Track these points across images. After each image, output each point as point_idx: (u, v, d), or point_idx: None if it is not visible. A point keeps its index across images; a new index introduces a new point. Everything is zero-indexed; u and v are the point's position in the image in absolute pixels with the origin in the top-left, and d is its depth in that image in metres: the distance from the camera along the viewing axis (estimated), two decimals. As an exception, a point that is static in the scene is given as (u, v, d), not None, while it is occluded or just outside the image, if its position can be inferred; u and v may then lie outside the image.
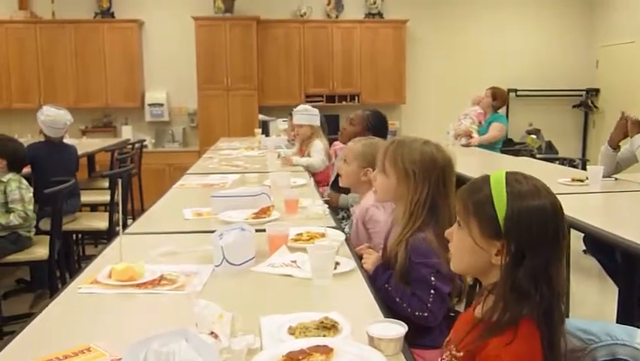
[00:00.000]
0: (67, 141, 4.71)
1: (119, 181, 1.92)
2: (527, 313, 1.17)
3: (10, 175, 3.47)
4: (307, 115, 4.83)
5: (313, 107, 5.12)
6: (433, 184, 1.87)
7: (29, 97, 7.46)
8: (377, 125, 3.79)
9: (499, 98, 5.95)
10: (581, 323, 1.36)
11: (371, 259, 2.00)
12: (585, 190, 3.33)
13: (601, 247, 3.51)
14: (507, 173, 1.24)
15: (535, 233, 1.17)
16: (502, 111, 6.12)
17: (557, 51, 8.30)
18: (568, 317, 1.27)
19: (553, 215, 1.20)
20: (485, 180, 1.25)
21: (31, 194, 3.50)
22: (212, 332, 1.31)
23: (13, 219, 3.37)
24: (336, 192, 3.73)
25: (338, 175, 3.84)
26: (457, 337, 1.26)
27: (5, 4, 7.56)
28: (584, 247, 4.39)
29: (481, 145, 5.75)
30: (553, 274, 1.18)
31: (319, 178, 4.41)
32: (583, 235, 3.75)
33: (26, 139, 5.01)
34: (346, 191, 3.46)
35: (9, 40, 7.41)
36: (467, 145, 5.71)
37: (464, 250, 1.27)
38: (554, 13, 8.27)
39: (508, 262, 1.18)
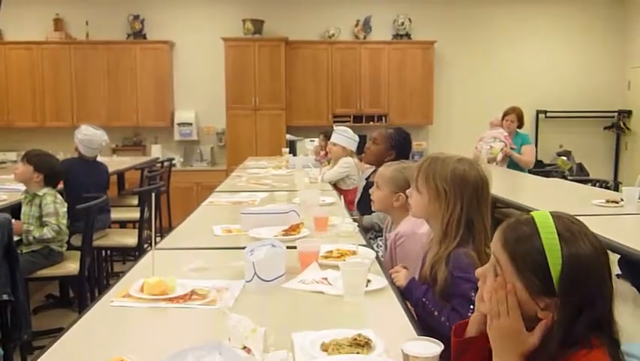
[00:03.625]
0: (98, 159, 4.78)
1: (152, 196, 1.93)
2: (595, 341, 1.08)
3: (45, 189, 3.53)
4: (344, 137, 4.86)
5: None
6: (466, 202, 1.84)
7: (63, 116, 7.63)
8: (401, 143, 3.75)
9: (522, 118, 5.91)
10: (623, 346, 1.31)
11: (402, 275, 1.97)
12: (620, 212, 3.26)
13: (637, 270, 3.42)
14: (555, 219, 1.13)
15: (593, 284, 1.08)
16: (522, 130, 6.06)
17: (588, 72, 8.21)
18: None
19: (604, 258, 1.11)
20: (531, 224, 1.13)
21: (65, 209, 3.56)
22: (245, 347, 1.30)
23: (47, 233, 3.42)
24: (360, 215, 3.71)
25: (362, 196, 3.85)
26: None
27: (41, 26, 7.78)
28: (619, 271, 4.28)
29: (510, 165, 5.69)
30: (612, 321, 1.11)
31: (352, 197, 4.41)
32: (617, 259, 3.68)
33: (59, 157, 5.10)
34: (370, 211, 3.43)
35: (44, 61, 7.61)
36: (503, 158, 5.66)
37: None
38: (585, 33, 8.20)
39: (562, 318, 1.08)
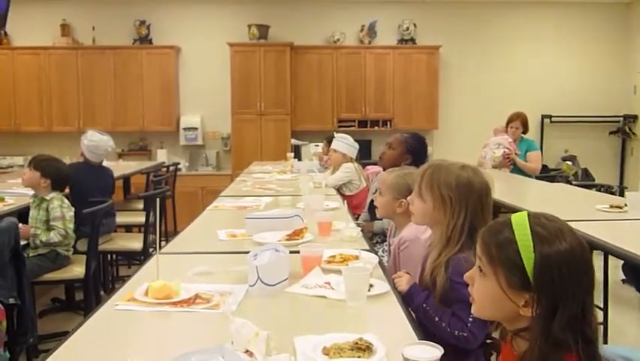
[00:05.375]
0: (104, 163, 4.81)
1: (158, 200, 1.95)
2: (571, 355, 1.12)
3: (53, 194, 3.56)
4: (344, 144, 4.89)
5: (345, 132, 5.19)
6: (470, 209, 1.85)
7: (69, 120, 7.69)
8: (417, 149, 3.73)
9: (527, 124, 5.88)
10: (622, 350, 1.33)
11: (404, 280, 1.98)
12: (624, 217, 3.25)
13: (641, 275, 3.42)
14: (530, 217, 1.17)
15: (568, 281, 1.11)
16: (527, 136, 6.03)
17: (593, 77, 8.20)
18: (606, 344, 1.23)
19: (581, 257, 1.14)
20: (507, 225, 1.18)
21: (72, 213, 3.58)
22: (247, 351, 1.31)
23: (53, 237, 3.45)
24: (370, 220, 3.71)
25: (373, 201, 3.85)
26: None
27: (48, 32, 7.84)
28: (623, 277, 4.28)
29: (515, 170, 5.67)
30: (590, 318, 1.13)
31: (357, 202, 4.42)
32: (622, 264, 3.67)
33: (65, 161, 5.12)
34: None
35: (51, 66, 7.67)
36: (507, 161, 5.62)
37: (489, 298, 1.21)
38: (590, 38, 8.19)
39: (540, 314, 1.12)
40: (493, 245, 1.18)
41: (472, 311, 1.29)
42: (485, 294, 1.22)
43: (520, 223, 1.17)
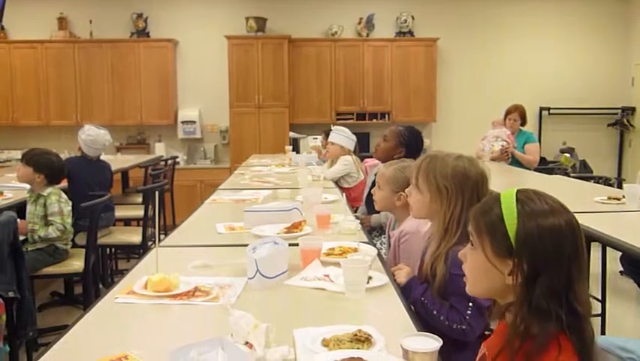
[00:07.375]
0: (102, 157, 4.80)
1: (157, 194, 1.95)
2: (557, 328, 1.12)
3: (50, 189, 3.55)
4: (342, 136, 4.89)
5: (343, 125, 5.19)
6: (466, 199, 1.85)
7: (67, 114, 7.67)
8: (411, 142, 3.73)
9: (525, 116, 5.87)
10: (619, 341, 1.33)
11: (403, 272, 1.99)
12: (622, 209, 3.26)
13: (639, 267, 3.43)
14: (518, 190, 1.22)
15: (550, 251, 1.13)
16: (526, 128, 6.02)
17: (592, 69, 8.20)
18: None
19: (569, 232, 1.15)
20: (496, 198, 1.23)
21: (70, 207, 3.58)
22: (247, 342, 1.32)
23: (52, 232, 3.45)
24: (368, 214, 3.72)
25: (370, 193, 3.85)
26: (493, 352, 1.24)
27: (45, 25, 7.81)
28: (621, 268, 4.30)
29: (513, 163, 5.68)
30: (577, 293, 1.14)
31: (355, 195, 4.42)
32: (619, 256, 3.69)
33: (63, 155, 5.12)
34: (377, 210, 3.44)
35: (48, 60, 7.64)
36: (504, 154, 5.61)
37: (478, 270, 1.24)
38: (588, 30, 8.19)
39: (521, 281, 1.14)
40: (482, 219, 1.22)
41: (466, 290, 1.30)
42: (474, 267, 1.25)
43: (508, 198, 1.21)
